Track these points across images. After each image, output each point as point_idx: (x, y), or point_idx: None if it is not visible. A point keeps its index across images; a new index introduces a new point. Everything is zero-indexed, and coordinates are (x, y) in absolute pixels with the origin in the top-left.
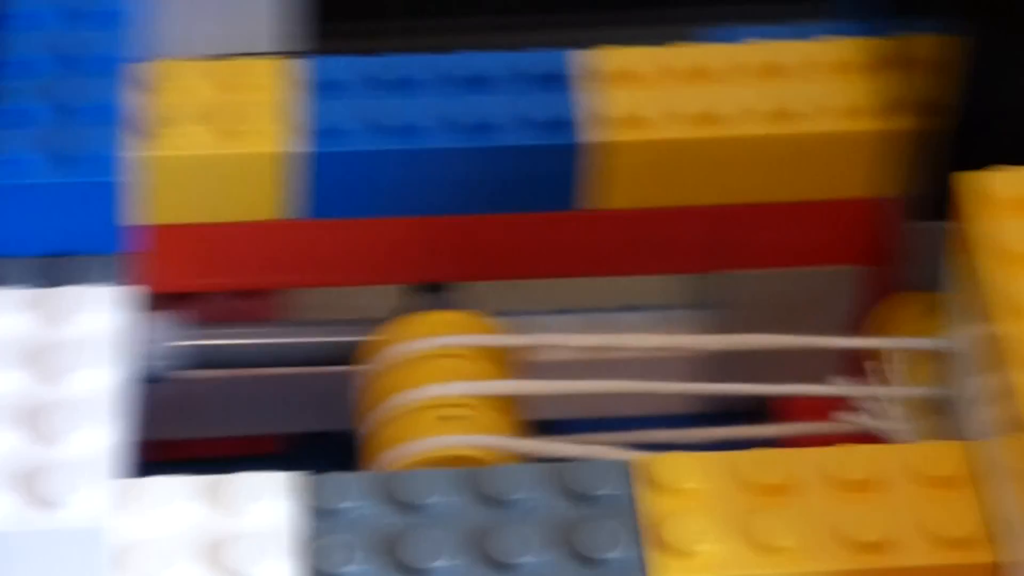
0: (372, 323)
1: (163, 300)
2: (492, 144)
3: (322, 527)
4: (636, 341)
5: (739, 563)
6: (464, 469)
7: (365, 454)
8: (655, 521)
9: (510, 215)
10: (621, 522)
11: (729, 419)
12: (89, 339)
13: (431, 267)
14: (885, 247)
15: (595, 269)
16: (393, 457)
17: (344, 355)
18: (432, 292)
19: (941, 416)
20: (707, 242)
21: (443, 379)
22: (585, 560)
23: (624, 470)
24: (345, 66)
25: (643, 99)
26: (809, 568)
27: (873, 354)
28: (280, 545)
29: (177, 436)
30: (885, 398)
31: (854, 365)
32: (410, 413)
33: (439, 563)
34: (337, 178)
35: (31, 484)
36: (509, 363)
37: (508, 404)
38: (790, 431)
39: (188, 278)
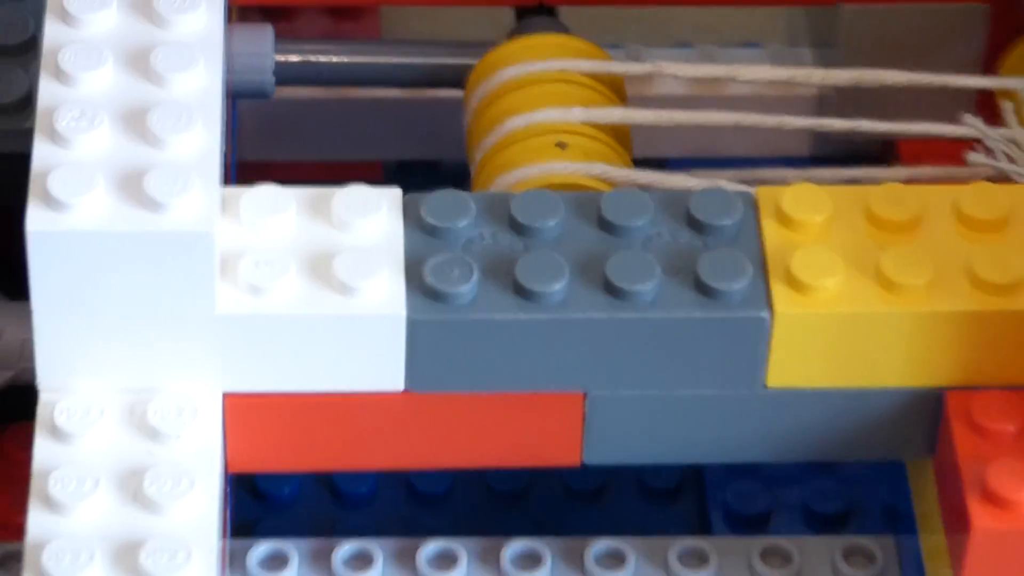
0: (482, 46)
1: (261, 13)
2: None
3: (435, 245)
4: (756, 73)
5: (865, 299)
6: (583, 193)
7: (477, 182)
8: (780, 253)
9: None
10: (744, 253)
11: (854, 162)
12: (187, 40)
13: None
14: None
15: None
16: (506, 183)
17: (453, 78)
18: (544, 14)
19: None
20: None
21: (559, 104)
22: (706, 289)
23: (749, 200)
24: None
25: None
26: (937, 307)
27: (1008, 94)
28: (392, 261)
29: (279, 158)
30: (1021, 139)
31: (987, 106)
32: (525, 138)
33: (556, 287)
34: None
35: (137, 185)
36: (623, 94)
37: (625, 136)
38: (920, 174)
39: None
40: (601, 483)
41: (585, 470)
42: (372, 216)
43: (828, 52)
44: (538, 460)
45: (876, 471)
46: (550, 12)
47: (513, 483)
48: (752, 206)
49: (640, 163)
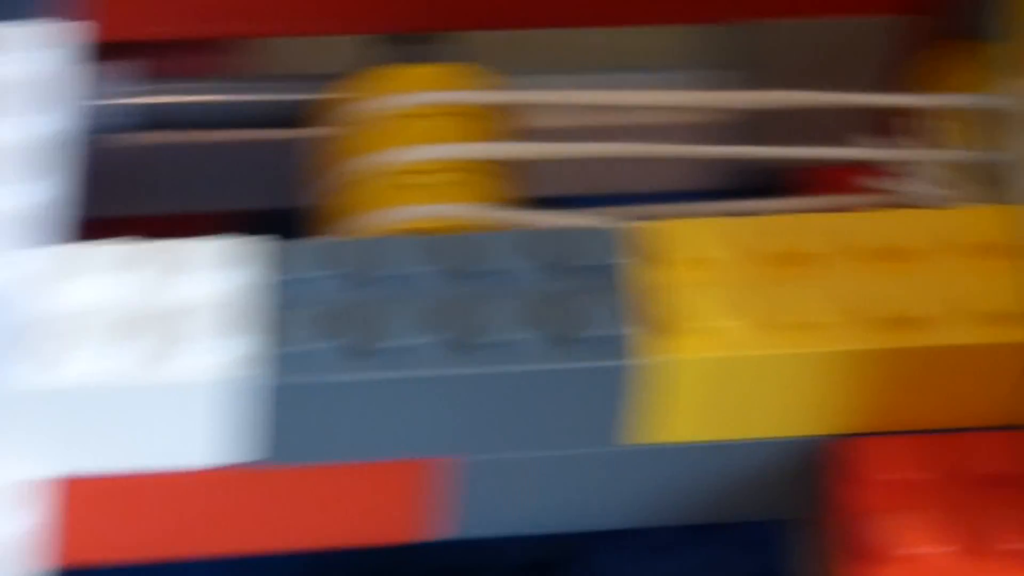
0: (342, 79)
1: (110, 50)
2: None
3: (276, 299)
4: (646, 99)
5: (745, 342)
6: (432, 236)
7: (329, 228)
8: (649, 295)
9: None
10: (613, 295)
11: (762, 194)
12: (18, 81)
13: (411, 13)
14: None
15: (602, 17)
16: (362, 227)
17: (306, 115)
18: (412, 44)
19: (987, 184)
20: None
21: (419, 141)
22: (568, 337)
23: (614, 238)
24: None
25: None
26: (826, 347)
27: (911, 113)
28: (224, 319)
29: (120, 212)
30: (923, 162)
31: (889, 128)
32: (376, 179)
33: (405, 341)
34: None
35: None
36: (498, 128)
37: (496, 173)
38: (814, 204)
39: (137, 24)
40: (466, 560)
41: (446, 545)
42: (204, 271)
43: (725, 75)
44: (391, 536)
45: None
46: (416, 41)
47: (373, 561)
48: (624, 244)
49: (535, 203)
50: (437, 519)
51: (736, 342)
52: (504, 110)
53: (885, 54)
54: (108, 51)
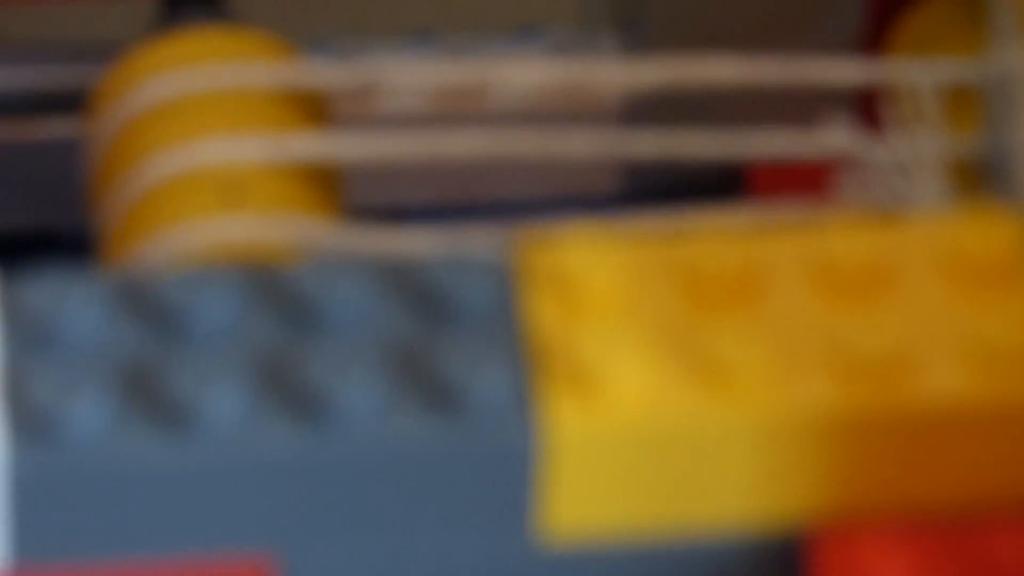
0: (110, 49)
1: None
2: None
3: (41, 353)
4: (526, 75)
5: (680, 399)
6: (253, 267)
7: (110, 254)
8: (555, 339)
9: None
10: (500, 340)
11: (666, 199)
12: None
13: None
14: None
15: None
16: (153, 253)
17: (68, 101)
18: (201, 2)
19: (994, 179)
20: None
21: (225, 133)
22: (441, 397)
23: (497, 265)
24: None
25: None
26: (786, 405)
27: (885, 92)
28: None
29: None
30: (908, 154)
31: (858, 111)
32: (177, 186)
33: (221, 407)
34: None
35: None
36: (329, 113)
37: (331, 178)
38: (763, 214)
39: None
40: None
41: None
42: None
43: (626, 38)
44: None
45: None
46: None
47: None
48: (513, 273)
49: (363, 214)
50: None
51: (666, 403)
52: (327, 92)
53: (852, 11)
54: None
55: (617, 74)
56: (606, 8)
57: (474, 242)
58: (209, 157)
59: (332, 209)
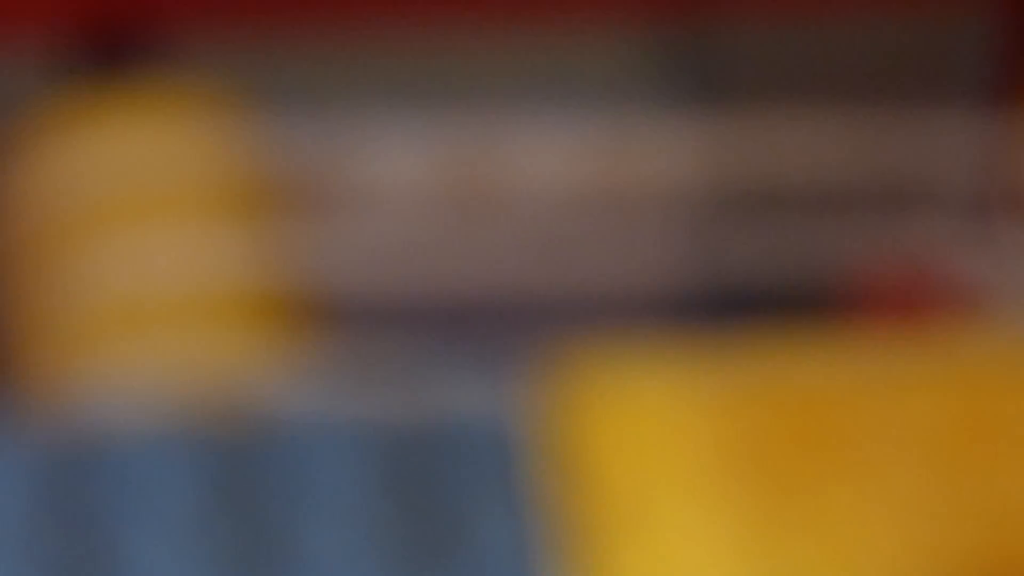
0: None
1: None
2: None
3: None
4: (544, 165)
5: None
6: (196, 415)
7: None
8: (567, 513)
9: None
10: (499, 515)
11: (739, 309)
12: None
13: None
14: None
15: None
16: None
17: None
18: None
19: None
20: None
21: (150, 237)
22: None
23: (503, 407)
24: None
25: None
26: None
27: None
28: None
29: None
30: None
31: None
32: (86, 305)
33: None
34: None
35: None
36: (278, 198)
37: (290, 292)
38: (864, 336)
39: None
40: None
41: None
42: None
43: (706, 85)
44: None
45: None
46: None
47: None
48: (521, 416)
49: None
50: None
51: None
52: (291, 166)
53: (968, 74)
54: None
55: (672, 164)
56: (664, 51)
57: (479, 370)
58: (146, 281)
59: (305, 328)
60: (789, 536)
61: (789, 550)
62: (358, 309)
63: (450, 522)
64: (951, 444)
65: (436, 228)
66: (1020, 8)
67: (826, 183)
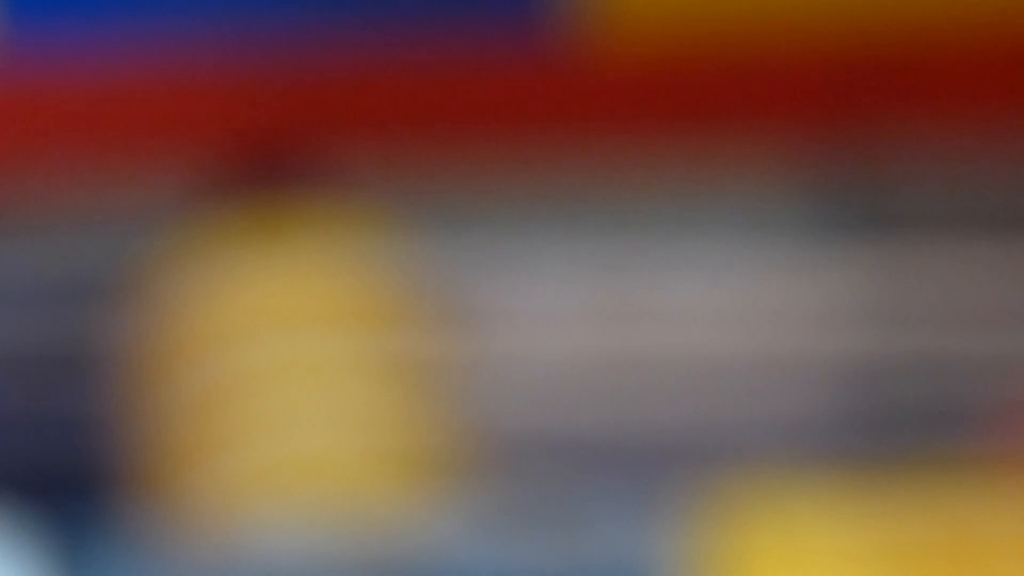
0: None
1: None
2: None
3: None
4: (701, 299)
5: None
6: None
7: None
8: None
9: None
10: None
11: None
12: None
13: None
14: None
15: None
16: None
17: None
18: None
19: None
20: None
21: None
22: None
23: (648, 556)
24: None
25: None
26: None
27: None
28: None
29: None
30: None
31: None
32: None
33: None
34: None
35: None
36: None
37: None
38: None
39: None
40: None
41: None
42: None
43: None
44: None
45: None
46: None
47: None
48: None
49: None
50: None
51: None
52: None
53: None
54: None
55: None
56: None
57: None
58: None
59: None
60: None
61: None
62: (513, 444)
63: None
64: None
65: (587, 355)
66: None
67: (989, 311)
